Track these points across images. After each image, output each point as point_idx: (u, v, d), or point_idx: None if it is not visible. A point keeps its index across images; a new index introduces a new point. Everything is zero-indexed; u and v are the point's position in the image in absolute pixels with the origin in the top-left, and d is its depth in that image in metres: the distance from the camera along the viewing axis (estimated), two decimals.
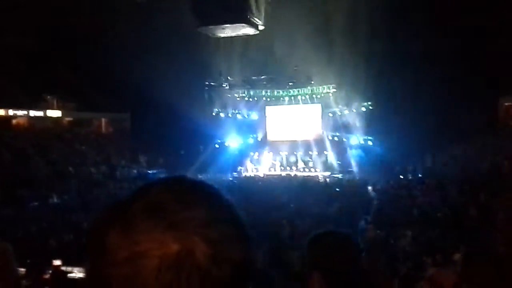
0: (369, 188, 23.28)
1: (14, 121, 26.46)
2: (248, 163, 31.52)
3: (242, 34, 17.71)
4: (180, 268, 0.62)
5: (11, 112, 25.30)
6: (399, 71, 23.11)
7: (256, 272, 0.72)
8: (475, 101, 22.48)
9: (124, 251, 0.63)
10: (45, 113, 27.33)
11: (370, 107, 29.85)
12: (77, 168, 23.23)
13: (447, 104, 23.12)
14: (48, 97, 28.19)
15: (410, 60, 23.40)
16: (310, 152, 31.25)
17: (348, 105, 31.04)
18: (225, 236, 0.67)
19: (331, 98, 31.79)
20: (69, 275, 7.42)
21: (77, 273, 7.72)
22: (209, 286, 0.64)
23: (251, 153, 32.39)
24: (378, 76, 24.18)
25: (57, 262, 7.80)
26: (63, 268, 7.77)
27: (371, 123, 28.43)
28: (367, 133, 30.02)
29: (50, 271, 7.26)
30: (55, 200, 19.56)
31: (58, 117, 28.54)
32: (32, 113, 26.53)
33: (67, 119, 29.84)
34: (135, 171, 26.55)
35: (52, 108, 28.15)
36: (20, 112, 25.97)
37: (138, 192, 0.70)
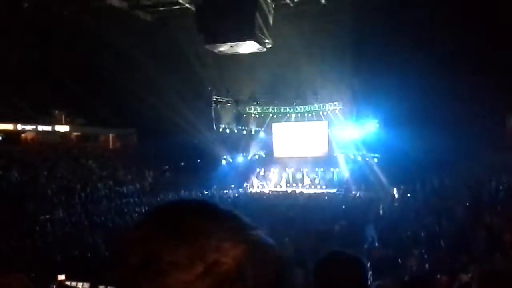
0: (376, 206, 23.09)
1: (22, 136, 26.74)
2: (254, 179, 31.48)
3: (249, 51, 17.79)
4: (209, 282, 0.64)
5: (19, 126, 25.53)
6: (406, 89, 23.10)
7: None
8: (483, 119, 22.39)
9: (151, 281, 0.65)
10: (53, 128, 27.56)
11: (377, 124, 29.82)
12: (83, 182, 23.30)
13: (455, 121, 23.03)
14: (56, 112, 28.49)
15: (417, 79, 23.39)
16: (316, 169, 31.20)
17: (354, 122, 31.05)
18: (251, 244, 0.70)
19: (338, 115, 31.85)
20: None
21: None
22: None
23: (257, 169, 32.36)
24: (385, 94, 24.18)
25: (61, 277, 7.80)
26: (67, 282, 7.76)
27: (378, 140, 28.33)
28: (373, 150, 29.90)
29: (54, 286, 7.25)
30: (61, 214, 19.56)
31: (66, 132, 28.77)
32: (40, 127, 26.76)
33: (75, 134, 30.08)
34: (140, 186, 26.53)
35: (60, 123, 28.43)
36: (28, 127, 26.21)
37: (160, 216, 0.72)
